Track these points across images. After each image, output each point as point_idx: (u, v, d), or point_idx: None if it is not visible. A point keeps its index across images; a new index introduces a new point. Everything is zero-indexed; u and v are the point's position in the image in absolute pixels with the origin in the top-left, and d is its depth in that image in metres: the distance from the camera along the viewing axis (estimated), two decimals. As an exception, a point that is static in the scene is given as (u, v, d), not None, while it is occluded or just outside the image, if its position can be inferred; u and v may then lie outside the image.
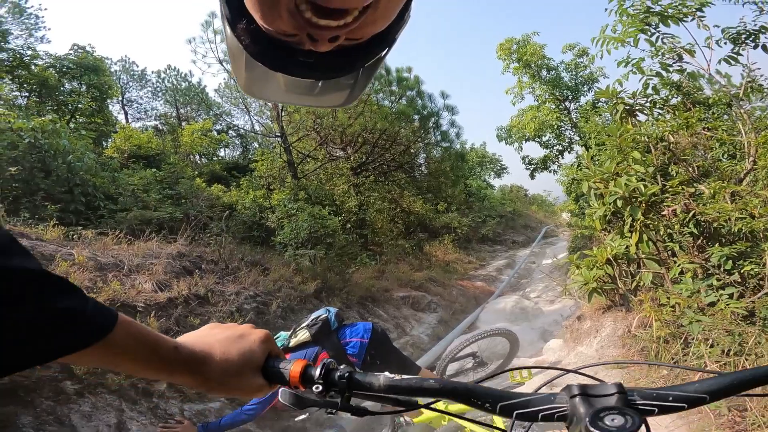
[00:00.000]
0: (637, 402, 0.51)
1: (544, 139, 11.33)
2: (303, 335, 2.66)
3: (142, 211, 5.49)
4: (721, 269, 2.83)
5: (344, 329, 2.76)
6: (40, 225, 3.70)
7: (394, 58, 13.38)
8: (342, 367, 0.56)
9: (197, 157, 11.79)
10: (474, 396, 0.56)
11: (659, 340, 2.74)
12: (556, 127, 10.85)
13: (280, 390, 0.56)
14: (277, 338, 2.80)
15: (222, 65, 7.26)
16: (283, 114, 7.32)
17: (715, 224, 3.04)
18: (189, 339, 0.57)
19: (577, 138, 10.63)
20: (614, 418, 0.49)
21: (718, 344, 2.40)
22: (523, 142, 11.68)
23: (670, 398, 0.52)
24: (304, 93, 0.56)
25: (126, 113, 19.00)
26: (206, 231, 5.31)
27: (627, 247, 3.32)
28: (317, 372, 0.55)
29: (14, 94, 11.60)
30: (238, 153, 15.63)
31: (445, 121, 8.68)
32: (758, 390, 0.55)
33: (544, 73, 10.68)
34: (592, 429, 0.48)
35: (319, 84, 0.54)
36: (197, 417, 2.60)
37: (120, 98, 18.11)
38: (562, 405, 0.53)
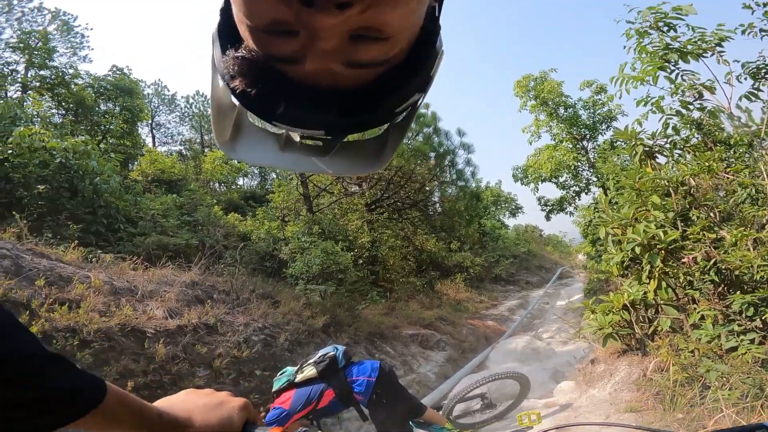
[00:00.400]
0: None
1: (561, 179, 11.15)
2: (310, 371, 2.64)
3: (159, 236, 5.60)
4: (743, 315, 2.75)
5: (351, 367, 2.72)
6: (61, 245, 3.79)
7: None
8: None
9: (216, 184, 12.08)
10: None
11: (675, 385, 2.66)
12: (572, 167, 10.68)
13: None
14: (283, 373, 2.75)
15: None
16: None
17: (736, 272, 2.96)
18: (169, 404, 0.58)
19: (595, 179, 10.47)
20: None
21: (736, 388, 2.30)
22: (539, 182, 11.50)
23: None
24: (313, 154, 0.46)
25: (153, 137, 19.73)
26: (220, 261, 5.37)
27: (645, 293, 3.24)
28: None
29: (52, 111, 12.17)
30: (256, 182, 16.01)
31: (461, 159, 8.71)
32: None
33: (561, 110, 10.62)
34: None
35: (336, 147, 0.44)
36: None
37: (150, 121, 18.84)
38: None
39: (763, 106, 3.64)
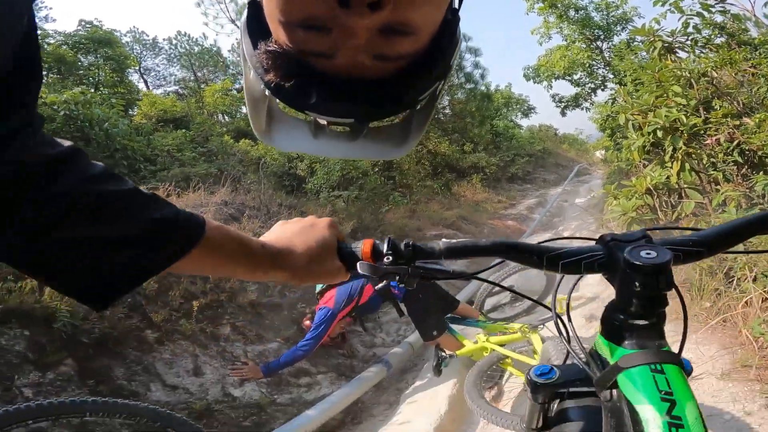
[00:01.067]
0: (664, 246, 0.54)
1: (575, 77, 10.91)
2: None
3: (181, 168, 5.75)
4: (766, 198, 2.77)
5: None
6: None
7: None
8: (405, 240, 0.62)
9: (221, 116, 11.95)
10: (522, 251, 0.62)
11: (701, 274, 2.70)
12: (587, 65, 10.41)
13: (359, 263, 0.59)
14: None
15: (234, 24, 7.08)
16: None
17: (759, 153, 2.95)
18: (268, 238, 0.60)
19: (611, 76, 10.12)
20: (648, 251, 0.53)
21: (763, 274, 2.33)
22: (553, 80, 11.22)
23: (690, 243, 0.54)
24: (343, 140, 0.49)
25: (146, 81, 19.27)
26: (241, 184, 5.53)
27: (668, 177, 3.27)
28: (385, 246, 0.60)
29: None
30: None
31: (469, 63, 8.38)
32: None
33: (572, 12, 9.98)
34: (630, 260, 0.52)
35: (364, 132, 0.47)
36: (258, 357, 2.82)
37: (138, 67, 18.31)
38: (599, 252, 0.58)
39: None
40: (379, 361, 2.94)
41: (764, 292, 2.13)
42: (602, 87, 11.01)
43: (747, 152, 3.06)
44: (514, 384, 2.60)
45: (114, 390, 2.06)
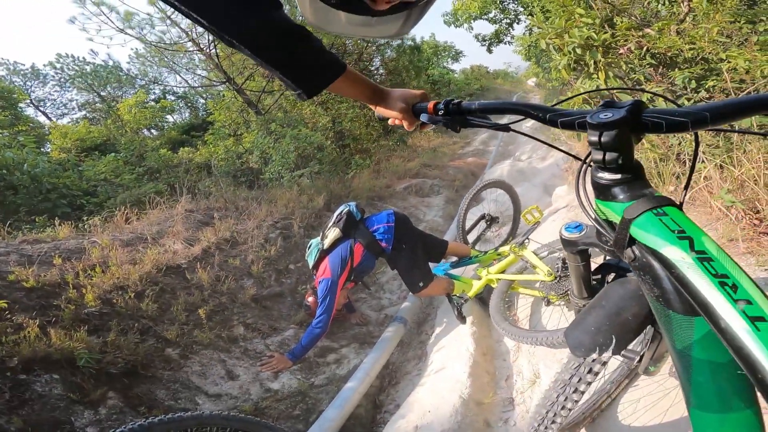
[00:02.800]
0: (648, 115, 0.57)
1: (491, 15, 11.46)
2: (333, 233, 2.73)
3: (127, 192, 5.38)
4: (688, 89, 3.00)
5: (369, 218, 2.86)
6: (47, 229, 3.67)
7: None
8: (455, 100, 0.85)
9: (146, 131, 11.12)
10: (533, 109, 0.74)
11: (656, 163, 2.88)
12: (498, 2, 11.01)
13: (422, 115, 0.89)
14: (309, 247, 2.89)
15: (125, 33, 6.35)
16: (219, 60, 6.81)
17: (669, 54, 3.27)
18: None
19: (521, 9, 10.71)
20: (607, 113, 0.59)
21: (708, 146, 2.50)
22: (472, 21, 11.68)
23: (677, 114, 0.55)
24: (361, 25, 0.80)
25: (45, 113, 17.45)
26: (198, 190, 5.29)
27: (597, 86, 3.48)
28: (442, 105, 0.86)
29: None
30: (187, 115, 14.76)
31: None
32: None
33: None
34: (591, 120, 0.59)
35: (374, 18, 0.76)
36: (280, 347, 2.81)
37: (29, 100, 16.52)
38: (585, 114, 0.63)
39: None
40: (394, 320, 2.98)
41: (717, 166, 2.27)
42: (516, 21, 11.68)
43: (657, 55, 3.37)
44: (529, 304, 2.68)
45: (166, 411, 2.00)
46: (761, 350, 0.42)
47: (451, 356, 2.46)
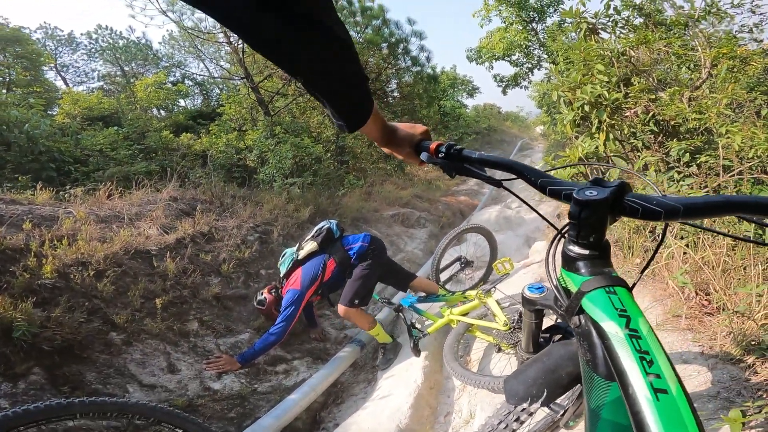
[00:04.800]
0: (628, 199, 0.62)
1: (514, 58, 11.72)
2: (310, 246, 2.83)
3: (118, 167, 5.39)
4: (681, 162, 3.08)
5: (346, 237, 2.96)
6: (27, 191, 3.66)
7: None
8: (457, 146, 0.87)
9: (155, 111, 11.21)
10: (526, 172, 0.77)
11: (630, 232, 2.96)
12: (524, 46, 11.21)
13: (422, 153, 0.91)
14: (284, 255, 2.97)
15: (165, 15, 6.65)
16: (243, 56, 6.97)
17: (672, 123, 3.33)
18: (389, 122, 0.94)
19: (545, 56, 11.01)
20: (592, 191, 0.63)
21: (681, 229, 2.58)
22: (493, 61, 12.03)
23: (654, 203, 0.59)
24: None
25: (64, 79, 17.73)
26: (188, 179, 5.30)
27: (596, 146, 3.56)
28: (444, 148, 0.87)
29: None
30: (199, 102, 14.93)
31: (414, 46, 8.50)
32: (725, 228, 0.69)
33: None
34: (576, 197, 0.63)
35: None
36: (232, 349, 2.79)
37: (54, 65, 16.78)
38: (573, 188, 0.67)
39: None
40: (352, 342, 3.03)
41: (683, 246, 2.39)
42: (538, 66, 11.96)
43: (661, 122, 3.43)
44: (482, 348, 2.77)
45: (91, 394, 1.96)
46: (655, 417, 0.48)
47: (398, 385, 2.52)
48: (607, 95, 3.39)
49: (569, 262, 0.70)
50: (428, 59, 8.76)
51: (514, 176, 0.79)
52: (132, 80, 12.99)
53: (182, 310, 2.86)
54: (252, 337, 2.97)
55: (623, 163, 3.55)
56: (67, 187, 4.07)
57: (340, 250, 2.84)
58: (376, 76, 8.43)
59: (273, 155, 5.54)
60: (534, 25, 11.15)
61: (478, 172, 0.86)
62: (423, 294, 3.11)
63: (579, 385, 0.96)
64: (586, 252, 0.67)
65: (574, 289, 0.68)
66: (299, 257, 2.85)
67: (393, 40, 8.08)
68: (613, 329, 0.58)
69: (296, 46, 0.59)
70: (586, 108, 3.46)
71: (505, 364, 2.45)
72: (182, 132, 7.93)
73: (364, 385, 2.85)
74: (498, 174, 0.86)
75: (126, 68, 16.98)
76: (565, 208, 4.41)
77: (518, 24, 10.93)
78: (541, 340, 1.08)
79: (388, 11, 7.88)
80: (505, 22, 11.11)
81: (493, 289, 2.74)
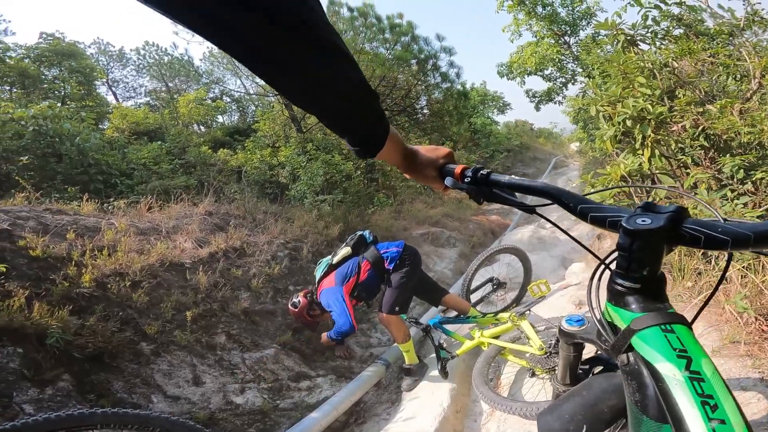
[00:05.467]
0: (687, 226, 0.55)
1: (546, 72, 11.40)
2: (344, 251, 2.92)
3: (159, 181, 5.61)
4: (734, 179, 2.87)
5: (381, 243, 3.01)
6: (74, 202, 3.85)
7: (384, 5, 12.90)
8: (484, 170, 0.79)
9: (195, 126, 11.73)
10: (564, 197, 0.69)
11: (681, 254, 2.79)
12: (557, 60, 10.89)
13: (447, 179, 0.84)
14: (319, 264, 3.04)
15: None
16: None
17: (724, 137, 3.10)
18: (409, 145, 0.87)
19: (580, 70, 10.68)
20: (644, 219, 0.56)
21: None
22: (525, 76, 11.71)
23: (719, 230, 0.53)
24: None
25: (114, 94, 18.84)
26: (223, 194, 5.46)
27: (640, 164, 3.38)
28: (470, 172, 0.80)
29: None
30: (236, 118, 15.49)
31: (444, 62, 8.50)
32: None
33: (539, 9, 10.40)
34: (626, 225, 0.56)
35: None
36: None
37: (105, 80, 17.90)
38: (622, 215, 0.60)
39: (744, 2, 3.59)
40: (378, 361, 2.99)
41: (741, 269, 2.22)
42: (572, 81, 11.53)
43: (712, 137, 3.20)
44: (514, 372, 2.66)
45: (115, 403, 2.00)
46: None
47: (423, 407, 2.45)
48: (651, 109, 3.20)
49: (617, 297, 0.63)
50: (458, 75, 8.74)
51: (548, 202, 0.72)
52: (175, 96, 13.66)
53: (211, 323, 2.90)
54: (277, 353, 2.96)
55: (671, 181, 3.35)
56: (111, 199, 4.26)
57: (373, 252, 2.90)
58: (405, 93, 8.49)
59: (304, 172, 5.63)
60: (566, 38, 10.84)
61: (509, 197, 0.78)
62: (453, 313, 3.07)
63: (622, 419, 0.86)
64: (638, 286, 0.60)
65: (622, 325, 0.62)
66: (333, 262, 2.94)
67: (422, 56, 8.12)
68: (670, 371, 0.53)
69: (285, 50, 0.51)
70: (628, 123, 3.28)
71: (538, 389, 2.33)
72: (220, 147, 8.22)
73: (388, 406, 2.79)
74: (530, 199, 0.80)
75: (170, 84, 17.92)
76: (605, 231, 4.13)
77: (550, 38, 10.64)
78: (580, 371, 1.01)
79: (416, 27, 7.95)
80: (536, 36, 10.88)
81: (528, 311, 2.65)
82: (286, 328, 3.26)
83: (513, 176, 0.77)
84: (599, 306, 0.70)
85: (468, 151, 12.16)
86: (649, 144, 3.23)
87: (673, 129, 3.29)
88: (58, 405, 1.87)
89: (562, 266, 4.84)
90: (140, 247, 3.15)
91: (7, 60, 11.91)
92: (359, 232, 3.05)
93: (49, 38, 12.67)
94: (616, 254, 0.62)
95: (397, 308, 2.73)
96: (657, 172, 3.42)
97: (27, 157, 5.20)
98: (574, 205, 0.67)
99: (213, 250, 3.54)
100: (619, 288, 0.62)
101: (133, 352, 2.34)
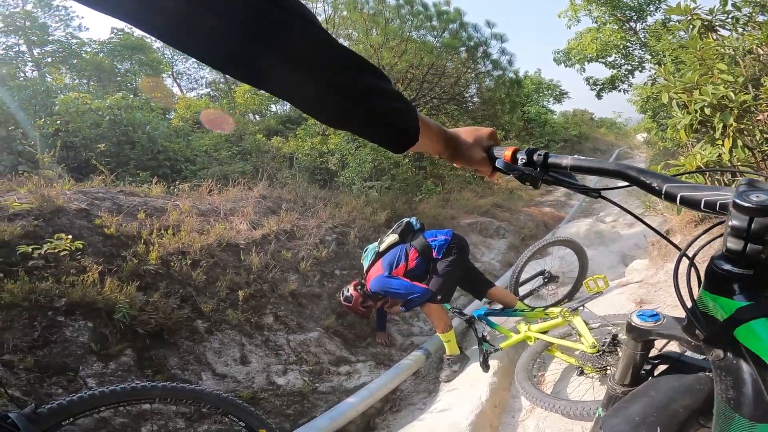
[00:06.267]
0: None
1: (610, 59, 10.67)
2: (391, 238, 2.92)
3: (219, 167, 5.95)
4: None
5: (429, 231, 2.99)
6: (144, 185, 4.19)
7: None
8: (540, 151, 0.72)
9: (251, 115, 12.26)
10: (644, 176, 0.61)
11: None
12: (622, 47, 10.16)
13: (497, 160, 0.76)
14: (366, 251, 3.07)
15: None
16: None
17: None
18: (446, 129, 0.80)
19: (648, 57, 9.84)
20: (759, 194, 0.49)
21: None
22: (585, 63, 11.03)
23: None
24: None
25: (179, 85, 20.03)
26: (276, 178, 5.67)
27: (719, 154, 3.09)
28: (523, 153, 0.73)
29: (76, 81, 12.69)
30: (288, 107, 16.01)
31: (495, 49, 8.21)
32: None
33: None
34: (739, 201, 0.50)
35: None
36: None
37: (170, 72, 19.09)
38: (725, 194, 0.54)
39: None
40: (418, 349, 2.99)
41: None
42: (640, 68, 10.75)
43: None
44: (560, 369, 2.57)
45: (169, 379, 2.15)
46: None
47: (461, 400, 2.42)
48: (733, 96, 2.93)
49: (719, 284, 0.57)
50: (510, 62, 8.38)
51: (626, 183, 0.64)
52: (232, 87, 14.31)
53: (260, 304, 3.04)
54: (320, 336, 3.05)
55: (752, 173, 3.04)
56: (177, 182, 4.58)
57: (421, 240, 2.88)
58: (455, 81, 8.30)
59: (353, 159, 5.72)
60: (632, 24, 10.11)
61: (570, 181, 0.72)
62: (498, 306, 3.00)
63: (697, 419, 0.80)
64: (749, 272, 0.54)
65: (721, 315, 0.56)
66: (380, 249, 2.94)
67: (471, 43, 7.86)
68: None
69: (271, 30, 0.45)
70: (707, 111, 3.02)
71: (585, 388, 2.24)
72: (273, 135, 8.55)
73: (424, 396, 2.79)
74: (592, 182, 0.72)
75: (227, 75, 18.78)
76: (676, 223, 3.82)
77: (613, 23, 9.97)
78: (642, 372, 0.93)
79: (464, 14, 7.69)
80: (596, 22, 10.23)
81: (582, 307, 2.55)
82: (331, 312, 3.36)
83: (577, 156, 0.70)
84: (689, 296, 0.64)
85: (521, 140, 11.72)
86: (731, 134, 2.95)
87: (759, 118, 2.99)
88: (119, 379, 2.02)
89: (622, 263, 4.54)
90: (201, 227, 3.36)
91: (84, 55, 13.11)
92: (406, 219, 3.03)
93: (120, 33, 13.69)
94: (702, 243, 0.58)
95: (439, 297, 2.71)
96: (739, 164, 3.12)
97: (104, 144, 5.71)
98: (659, 185, 0.59)
99: (265, 232, 3.70)
100: (723, 273, 0.56)
101: (189, 330, 2.50)
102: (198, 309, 2.65)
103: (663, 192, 0.59)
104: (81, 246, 2.45)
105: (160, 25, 0.42)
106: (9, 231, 2.35)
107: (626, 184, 0.64)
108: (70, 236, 2.44)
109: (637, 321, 0.83)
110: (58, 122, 5.71)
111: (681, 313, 0.70)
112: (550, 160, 0.71)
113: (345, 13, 7.64)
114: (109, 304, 2.22)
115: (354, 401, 2.35)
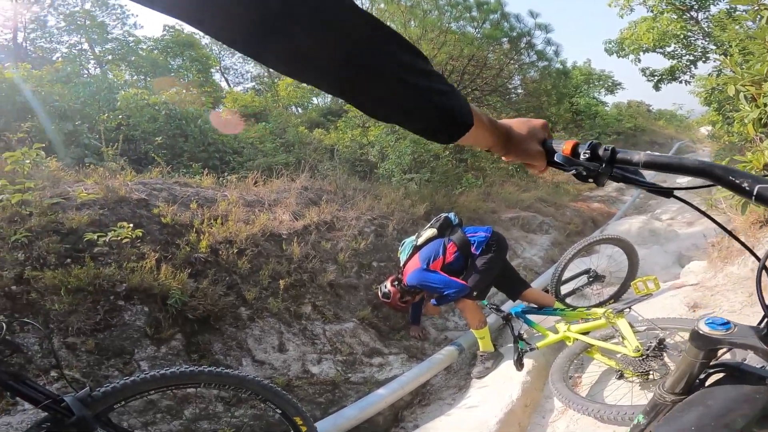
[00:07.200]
0: None
1: (669, 49, 10.05)
2: (429, 232, 2.93)
3: (264, 158, 6.18)
4: None
5: (468, 227, 2.99)
6: (196, 176, 4.44)
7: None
8: (606, 146, 0.66)
9: (294, 108, 12.56)
10: (732, 175, 0.56)
11: None
12: (682, 36, 9.51)
13: (556, 154, 0.71)
14: (403, 244, 3.10)
15: None
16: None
17: None
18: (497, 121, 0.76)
19: (713, 47, 9.22)
20: None
21: None
22: (641, 53, 10.43)
23: None
24: None
25: (227, 80, 20.88)
26: (318, 170, 5.81)
27: None
28: (586, 147, 0.67)
29: (134, 77, 13.55)
30: (329, 100, 16.26)
31: (539, 40, 7.91)
32: None
33: None
34: None
35: None
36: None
37: (218, 67, 19.90)
38: None
39: None
40: (452, 344, 3.00)
41: None
42: (703, 59, 10.07)
43: None
44: (598, 372, 2.49)
45: (213, 363, 2.26)
46: None
47: (491, 397, 2.42)
48: None
49: None
50: (556, 53, 8.05)
51: (707, 183, 0.59)
52: (276, 81, 14.71)
53: (300, 293, 3.16)
54: (355, 327, 3.11)
55: None
56: (225, 174, 4.81)
57: (460, 236, 2.87)
58: (497, 72, 8.06)
59: (393, 151, 5.74)
60: (693, 13, 9.42)
61: (638, 179, 0.66)
62: (535, 305, 2.93)
63: (752, 430, 0.77)
64: None
65: None
66: (418, 243, 2.96)
67: (514, 34, 7.61)
68: None
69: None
70: (778, 105, 2.80)
71: (623, 392, 2.17)
72: (314, 128, 8.73)
73: (454, 391, 2.80)
74: (667, 182, 0.69)
75: (272, 69, 19.28)
76: (740, 223, 3.56)
77: (671, 12, 9.35)
78: (696, 381, 0.90)
79: (506, 5, 7.46)
80: (651, 11, 9.64)
81: (628, 309, 2.46)
82: (367, 304, 3.43)
83: (649, 152, 0.64)
84: None
85: (568, 132, 11.24)
86: (803, 129, 2.71)
87: (837, 116, 2.71)
88: (169, 363, 2.15)
89: (678, 264, 4.32)
90: (246, 217, 3.53)
91: (140, 52, 13.96)
92: (444, 215, 3.05)
93: (171, 30, 14.42)
94: None
95: (475, 293, 2.70)
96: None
97: (161, 138, 6.08)
98: (750, 185, 0.54)
99: (306, 223, 3.82)
100: None
101: (233, 316, 2.64)
102: (242, 296, 2.79)
103: (755, 194, 0.53)
104: (141, 234, 2.66)
105: (200, 16, 0.43)
106: (77, 219, 2.58)
107: (708, 183, 0.59)
108: (131, 225, 2.65)
109: (705, 329, 0.78)
110: (120, 117, 6.13)
111: (740, 320, 0.67)
112: (619, 155, 0.65)
113: (382, 5, 7.63)
114: (164, 290, 2.40)
115: (384, 393, 2.41)
